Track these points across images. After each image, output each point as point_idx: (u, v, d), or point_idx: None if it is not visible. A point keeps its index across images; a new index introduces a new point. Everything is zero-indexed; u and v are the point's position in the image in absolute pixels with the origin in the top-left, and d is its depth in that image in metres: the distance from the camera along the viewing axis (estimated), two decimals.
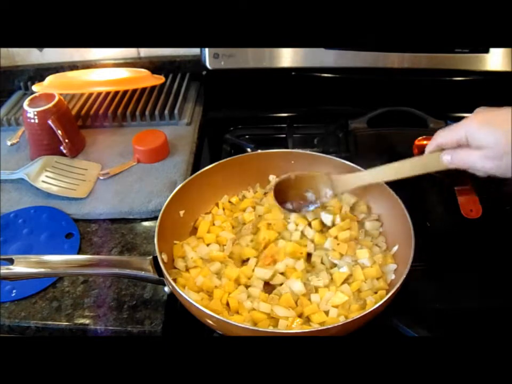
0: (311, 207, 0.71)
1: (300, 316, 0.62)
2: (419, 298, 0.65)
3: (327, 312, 0.62)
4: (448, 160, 0.59)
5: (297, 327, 0.59)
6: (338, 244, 0.69)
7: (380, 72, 0.99)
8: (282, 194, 0.71)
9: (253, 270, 0.67)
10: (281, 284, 0.66)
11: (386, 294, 0.58)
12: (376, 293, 0.64)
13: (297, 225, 0.73)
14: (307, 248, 0.70)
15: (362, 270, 0.66)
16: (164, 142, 0.91)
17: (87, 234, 0.77)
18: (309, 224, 0.73)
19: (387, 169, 0.66)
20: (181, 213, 0.74)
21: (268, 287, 0.66)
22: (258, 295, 0.64)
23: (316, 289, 0.65)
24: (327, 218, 0.73)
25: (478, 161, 0.55)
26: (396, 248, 0.69)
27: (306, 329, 0.58)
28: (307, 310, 0.62)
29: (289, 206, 0.71)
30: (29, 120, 0.88)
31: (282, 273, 0.67)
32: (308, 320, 0.62)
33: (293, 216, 0.74)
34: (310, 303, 0.63)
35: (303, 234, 0.72)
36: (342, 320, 0.60)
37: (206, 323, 0.59)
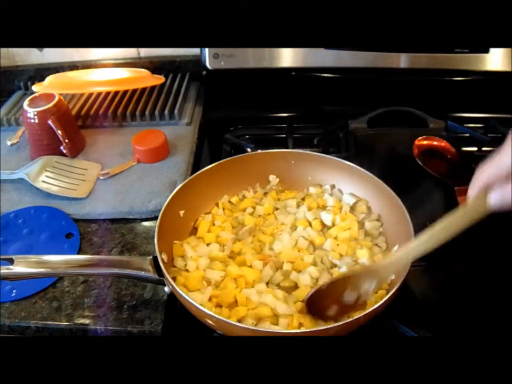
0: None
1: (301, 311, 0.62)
2: (419, 298, 0.64)
3: None
4: (498, 199, 0.48)
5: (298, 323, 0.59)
6: (338, 245, 0.69)
7: (380, 72, 0.99)
8: (316, 307, 0.60)
9: (261, 271, 0.67)
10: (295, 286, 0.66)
11: (386, 294, 0.58)
12: (376, 293, 0.64)
13: (297, 226, 0.73)
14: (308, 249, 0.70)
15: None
16: (164, 142, 0.91)
17: (87, 234, 0.77)
18: (310, 225, 0.74)
19: (432, 236, 0.55)
20: (181, 213, 0.74)
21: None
22: (266, 289, 0.64)
23: None
24: (327, 218, 0.73)
25: None
26: (396, 248, 0.69)
27: (306, 329, 0.58)
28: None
29: (330, 314, 0.60)
30: (29, 120, 0.88)
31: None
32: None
33: (293, 218, 0.74)
34: None
35: (303, 236, 0.72)
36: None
37: (206, 323, 0.59)
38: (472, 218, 0.52)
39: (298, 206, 0.78)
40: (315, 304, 0.60)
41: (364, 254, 0.68)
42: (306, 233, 0.72)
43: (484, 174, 0.50)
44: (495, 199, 0.48)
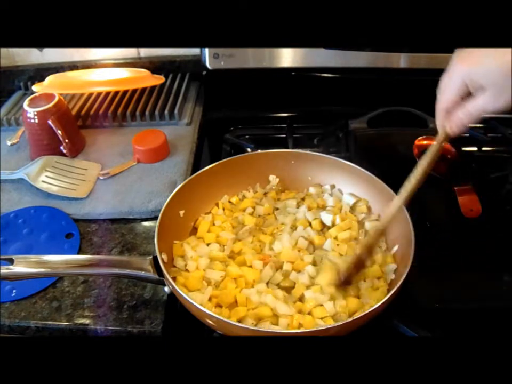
0: None
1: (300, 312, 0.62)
2: (419, 298, 0.65)
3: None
4: (460, 119, 0.55)
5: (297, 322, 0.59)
6: (338, 245, 0.69)
7: (380, 72, 0.99)
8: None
9: (261, 271, 0.67)
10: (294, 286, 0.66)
11: (386, 294, 0.58)
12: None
13: (297, 226, 0.73)
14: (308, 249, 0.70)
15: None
16: (164, 142, 0.91)
17: (87, 234, 0.77)
18: (310, 225, 0.74)
19: (411, 181, 0.61)
20: (181, 213, 0.74)
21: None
22: (266, 289, 0.64)
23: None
24: (327, 218, 0.73)
25: (487, 104, 0.53)
26: (396, 248, 0.69)
27: (306, 329, 0.58)
28: (308, 306, 0.62)
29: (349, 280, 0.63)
30: (29, 120, 0.88)
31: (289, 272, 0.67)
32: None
33: (293, 218, 0.75)
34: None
35: (303, 236, 0.72)
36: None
37: (206, 323, 0.59)
38: (441, 146, 0.60)
39: (298, 206, 0.78)
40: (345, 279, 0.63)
41: None
42: (306, 233, 0.72)
43: (442, 102, 0.57)
44: (457, 118, 0.56)
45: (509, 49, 0.50)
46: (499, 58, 0.51)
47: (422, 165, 0.60)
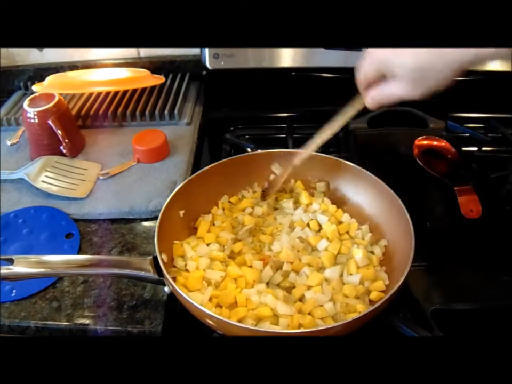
0: None
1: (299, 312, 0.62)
2: (419, 298, 0.65)
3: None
4: (375, 99, 0.60)
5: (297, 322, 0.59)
6: (331, 243, 0.70)
7: None
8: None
9: (261, 271, 0.67)
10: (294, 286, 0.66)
11: (386, 294, 0.58)
12: None
13: (295, 226, 0.73)
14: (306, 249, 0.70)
15: (360, 268, 0.67)
16: (164, 142, 0.91)
17: (87, 234, 0.77)
18: (308, 225, 0.74)
19: (325, 130, 0.70)
20: (181, 213, 0.74)
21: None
22: (266, 289, 0.64)
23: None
24: (322, 219, 0.74)
25: (397, 90, 0.56)
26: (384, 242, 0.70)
27: (306, 329, 0.58)
28: (308, 306, 0.62)
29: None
30: (29, 120, 0.88)
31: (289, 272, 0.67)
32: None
33: (290, 219, 0.75)
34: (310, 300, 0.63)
35: (301, 237, 0.72)
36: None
37: (206, 323, 0.59)
38: (357, 110, 0.67)
39: (296, 207, 0.78)
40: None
41: (358, 252, 0.68)
42: (304, 234, 0.72)
43: (358, 80, 0.62)
44: (370, 97, 0.61)
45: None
46: (416, 52, 0.53)
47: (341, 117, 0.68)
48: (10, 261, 0.59)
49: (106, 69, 1.09)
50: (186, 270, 0.68)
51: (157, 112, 1.01)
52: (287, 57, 0.98)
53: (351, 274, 0.66)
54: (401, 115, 0.95)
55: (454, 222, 0.76)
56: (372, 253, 0.70)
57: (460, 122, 0.96)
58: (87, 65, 1.13)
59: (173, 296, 0.62)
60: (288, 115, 1.05)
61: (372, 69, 0.58)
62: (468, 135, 0.96)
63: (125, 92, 1.07)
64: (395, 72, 0.55)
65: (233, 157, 0.81)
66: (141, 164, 0.90)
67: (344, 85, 1.05)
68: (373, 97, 0.60)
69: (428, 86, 0.54)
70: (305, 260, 0.68)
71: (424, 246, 0.63)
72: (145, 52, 1.15)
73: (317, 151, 0.80)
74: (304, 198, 0.77)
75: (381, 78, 0.58)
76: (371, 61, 0.58)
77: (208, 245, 0.72)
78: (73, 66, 1.14)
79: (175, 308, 0.66)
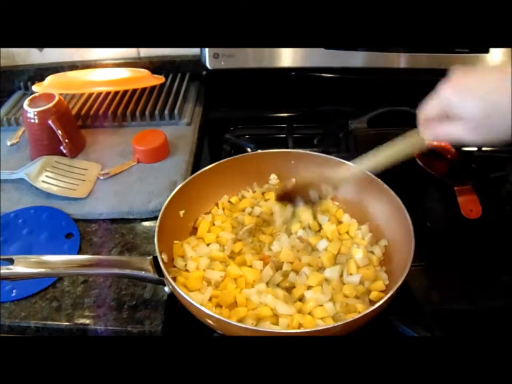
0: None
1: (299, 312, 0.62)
2: (419, 298, 0.65)
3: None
4: (431, 135, 0.58)
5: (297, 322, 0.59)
6: (331, 243, 0.70)
7: (380, 72, 0.99)
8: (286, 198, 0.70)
9: (261, 271, 0.67)
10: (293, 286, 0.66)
11: (386, 294, 0.58)
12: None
13: (295, 229, 0.73)
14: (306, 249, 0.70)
15: (360, 268, 0.67)
16: (164, 142, 0.91)
17: (87, 234, 0.77)
18: (308, 225, 0.74)
19: (377, 157, 0.64)
20: (181, 213, 0.74)
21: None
22: (266, 289, 0.64)
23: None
24: (323, 219, 0.74)
25: (460, 133, 0.53)
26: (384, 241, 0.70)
27: (306, 329, 0.58)
28: (308, 306, 0.62)
29: (299, 201, 0.68)
30: (29, 120, 0.88)
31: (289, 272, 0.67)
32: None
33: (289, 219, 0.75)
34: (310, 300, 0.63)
35: (301, 237, 0.72)
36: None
37: (206, 323, 0.59)
38: (413, 148, 0.63)
39: None
40: (284, 197, 0.69)
41: (358, 252, 0.68)
42: (304, 234, 0.72)
43: (422, 114, 0.59)
44: (429, 134, 0.59)
45: (496, 88, 0.50)
46: (483, 96, 0.50)
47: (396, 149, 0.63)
48: (10, 261, 0.59)
49: (106, 69, 1.09)
50: (186, 270, 0.68)
51: (157, 112, 1.01)
52: (287, 57, 0.98)
53: (351, 274, 0.66)
54: (401, 115, 0.95)
55: (454, 222, 0.76)
56: (372, 253, 0.70)
57: None
58: (87, 65, 1.13)
59: (173, 296, 0.62)
60: (288, 115, 1.05)
61: (437, 108, 0.56)
62: None
63: (125, 92, 1.07)
64: (458, 113, 0.53)
65: (233, 157, 0.81)
66: (141, 164, 0.90)
67: (344, 85, 1.06)
68: (433, 134, 0.58)
69: (494, 133, 0.51)
70: (305, 260, 0.68)
71: (424, 246, 0.63)
72: (145, 52, 1.15)
73: (317, 151, 0.80)
74: None
75: (445, 117, 0.56)
76: (438, 100, 0.56)
77: (208, 245, 0.72)
78: (73, 66, 1.13)
79: (175, 307, 0.66)
